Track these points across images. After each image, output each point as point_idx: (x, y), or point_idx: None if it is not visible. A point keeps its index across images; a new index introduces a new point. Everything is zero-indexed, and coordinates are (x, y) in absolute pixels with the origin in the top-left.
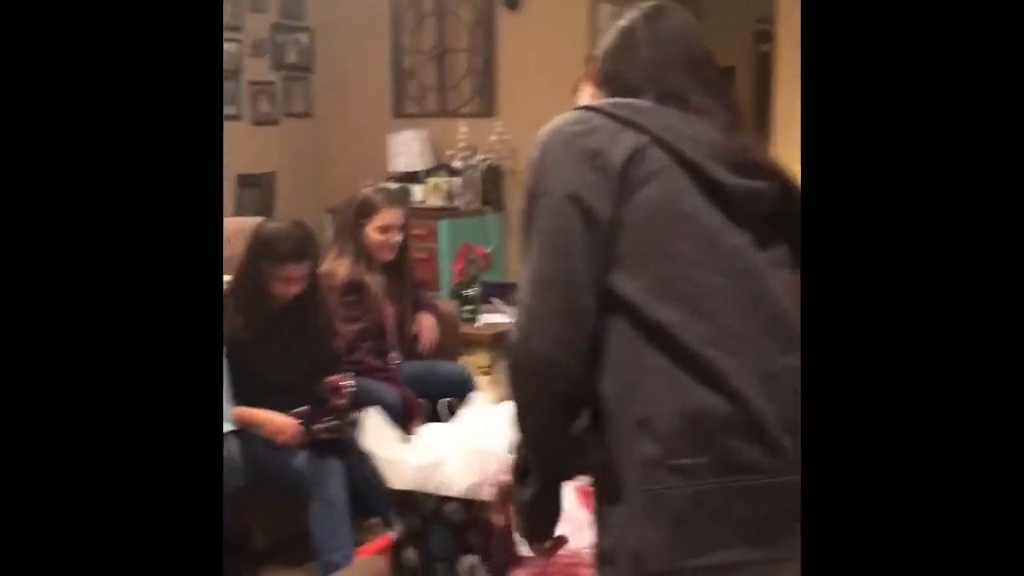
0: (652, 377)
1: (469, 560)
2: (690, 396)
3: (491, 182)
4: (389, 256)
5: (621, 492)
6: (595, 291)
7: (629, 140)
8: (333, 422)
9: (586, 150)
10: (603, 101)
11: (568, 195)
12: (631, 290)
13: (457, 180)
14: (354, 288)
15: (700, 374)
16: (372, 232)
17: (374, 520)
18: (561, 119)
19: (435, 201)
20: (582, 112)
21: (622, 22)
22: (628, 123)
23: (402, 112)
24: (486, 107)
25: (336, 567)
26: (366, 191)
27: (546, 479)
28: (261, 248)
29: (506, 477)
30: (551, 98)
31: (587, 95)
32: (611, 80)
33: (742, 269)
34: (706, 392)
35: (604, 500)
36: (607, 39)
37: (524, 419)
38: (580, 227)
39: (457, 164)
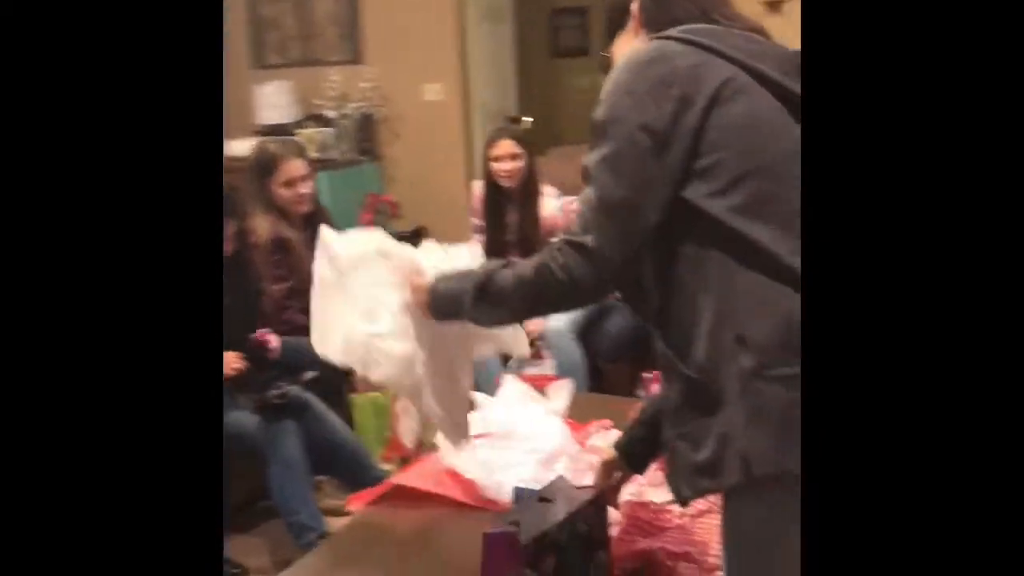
0: (747, 296)
1: (598, 558)
2: (785, 308)
3: (366, 131)
4: (304, 209)
5: (719, 404)
6: (657, 221)
7: (703, 62)
8: (283, 389)
9: (660, 78)
10: (672, 30)
11: (640, 125)
12: (721, 209)
13: (330, 131)
14: (278, 246)
15: (793, 286)
16: (278, 188)
17: (322, 478)
18: (633, 51)
19: (309, 153)
20: (654, 42)
21: None
22: (700, 46)
23: (264, 63)
24: (353, 54)
25: (304, 528)
26: (262, 144)
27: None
28: None
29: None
30: (421, 41)
31: (627, 45)
32: (655, 19)
33: None
34: (799, 301)
35: (698, 414)
36: None
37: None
38: (650, 157)
39: (330, 114)
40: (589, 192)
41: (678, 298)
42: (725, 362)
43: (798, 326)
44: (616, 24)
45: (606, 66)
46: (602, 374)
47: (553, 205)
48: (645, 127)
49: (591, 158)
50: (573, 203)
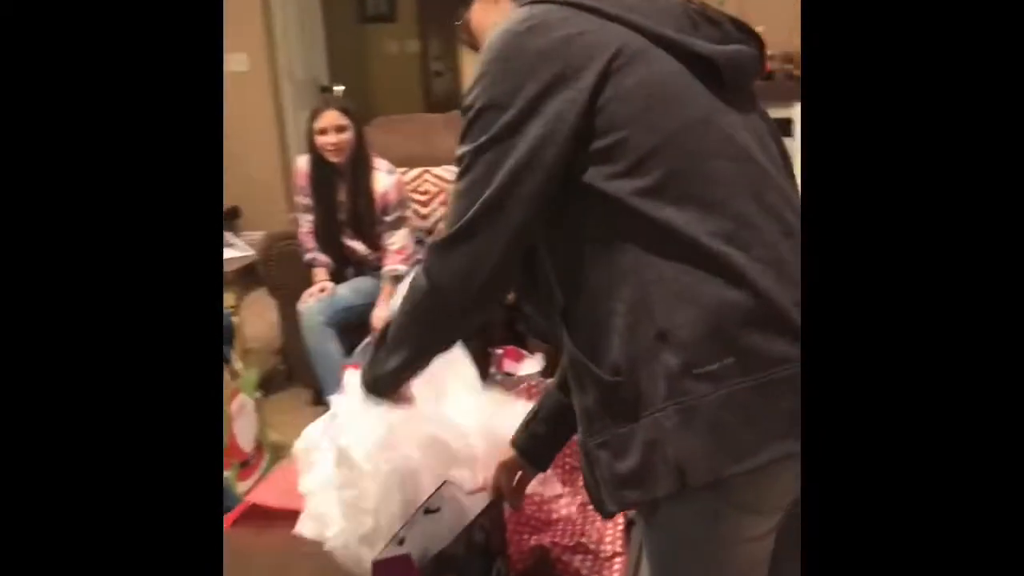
0: (663, 286)
1: (498, 566)
2: (708, 297)
3: None
4: None
5: (642, 408)
6: (534, 215)
7: (591, 29)
8: None
9: (540, 52)
10: None
11: (518, 111)
12: (626, 193)
13: None
14: None
15: (716, 271)
16: None
17: None
18: (509, 20)
19: None
20: (531, 8)
21: None
22: (585, 8)
23: None
24: None
25: None
26: None
27: (418, 362)
28: None
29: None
30: (233, 9)
31: (489, 12)
32: None
33: (740, 149)
34: (724, 288)
35: (619, 420)
36: None
37: (413, 335)
38: (530, 147)
39: None
40: (459, 186)
41: (585, 295)
42: (646, 362)
43: (725, 317)
44: None
45: (470, 40)
46: None
47: (387, 180)
48: (524, 113)
49: (463, 147)
50: (407, 174)
